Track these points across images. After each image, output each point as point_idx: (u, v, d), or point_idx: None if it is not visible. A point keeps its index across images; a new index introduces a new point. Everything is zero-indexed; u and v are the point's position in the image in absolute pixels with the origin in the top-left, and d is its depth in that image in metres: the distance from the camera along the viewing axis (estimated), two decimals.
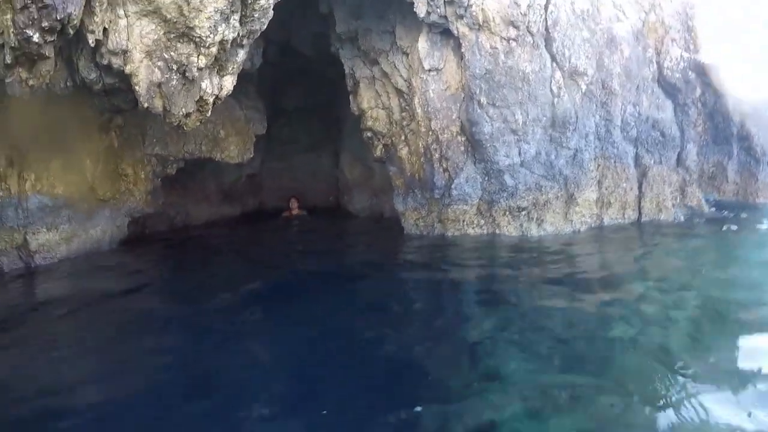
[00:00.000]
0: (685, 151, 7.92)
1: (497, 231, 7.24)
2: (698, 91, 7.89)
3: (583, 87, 7.31)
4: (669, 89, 7.86)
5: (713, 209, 8.01)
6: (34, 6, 4.51)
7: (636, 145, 7.70)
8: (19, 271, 7.27)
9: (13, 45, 4.65)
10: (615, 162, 7.53)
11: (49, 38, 4.68)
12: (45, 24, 4.56)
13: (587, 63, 7.26)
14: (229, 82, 5.90)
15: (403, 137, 7.85)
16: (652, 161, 7.72)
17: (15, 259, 7.31)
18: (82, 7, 4.76)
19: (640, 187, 7.66)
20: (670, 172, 7.79)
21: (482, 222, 7.26)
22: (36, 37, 4.61)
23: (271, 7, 5.85)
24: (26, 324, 5.29)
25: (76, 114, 7.41)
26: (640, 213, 7.67)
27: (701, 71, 7.81)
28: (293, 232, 10.70)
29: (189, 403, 3.54)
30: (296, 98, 11.90)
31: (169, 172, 9.67)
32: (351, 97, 8.52)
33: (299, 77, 11.37)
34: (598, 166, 7.48)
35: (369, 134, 8.42)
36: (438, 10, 6.91)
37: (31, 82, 5.04)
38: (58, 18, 4.56)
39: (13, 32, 4.61)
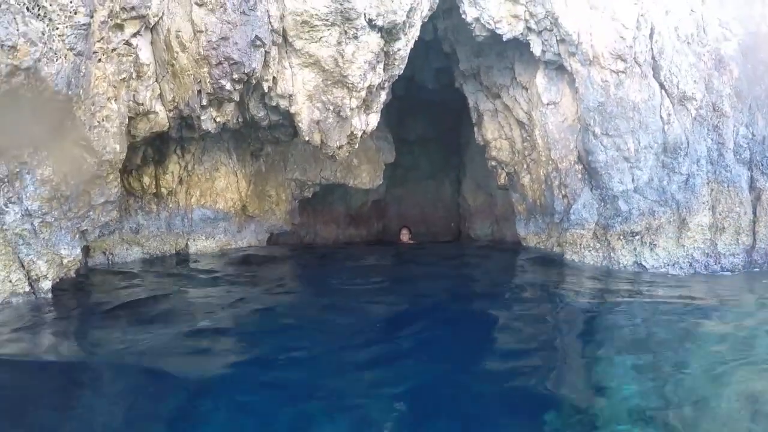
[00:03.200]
0: None
1: (612, 254, 7.60)
2: None
3: (693, 112, 7.49)
4: None
5: None
6: (226, 63, 5.73)
7: (750, 167, 7.63)
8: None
9: (209, 91, 5.89)
10: (728, 186, 7.56)
11: (237, 86, 5.88)
12: (235, 76, 5.76)
13: (695, 87, 7.43)
14: (374, 119, 6.96)
15: (525, 166, 8.49)
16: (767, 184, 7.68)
17: (174, 260, 8.65)
18: (262, 63, 5.94)
19: (754, 212, 7.67)
20: None
21: (598, 246, 7.68)
22: (228, 86, 5.83)
23: (408, 55, 6.85)
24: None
25: (238, 144, 8.79)
26: (754, 239, 7.65)
27: None
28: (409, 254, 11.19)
29: None
30: (419, 129, 12.84)
31: (305, 194, 10.88)
32: (476, 129, 9.30)
33: (422, 109, 12.31)
34: (711, 190, 7.56)
35: (493, 163, 9.13)
36: (552, 48, 7.56)
37: (218, 119, 6.29)
38: (245, 72, 5.76)
39: (209, 81, 5.85)
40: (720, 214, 7.63)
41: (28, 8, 4.37)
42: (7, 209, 4.87)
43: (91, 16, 4.86)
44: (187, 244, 8.73)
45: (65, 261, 5.39)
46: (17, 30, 4.22)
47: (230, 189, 8.93)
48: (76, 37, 4.69)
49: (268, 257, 9.01)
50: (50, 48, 4.49)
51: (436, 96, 11.65)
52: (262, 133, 7.70)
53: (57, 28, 4.58)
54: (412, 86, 11.42)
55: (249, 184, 9.38)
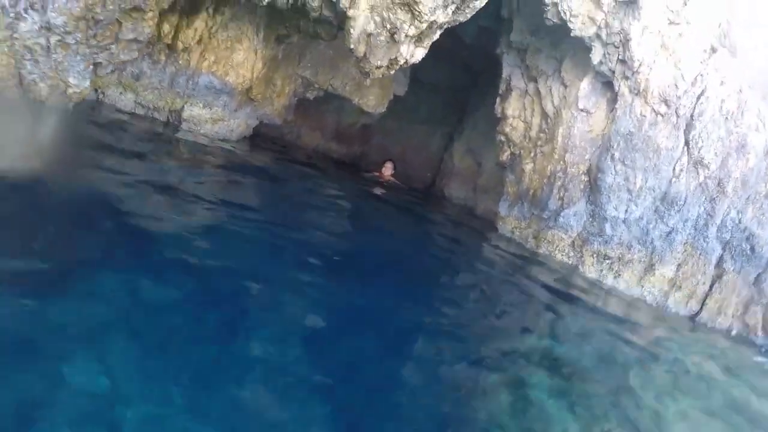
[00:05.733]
0: (766, 273, 8.25)
1: (580, 266, 7.98)
2: None
3: (701, 178, 7.73)
4: None
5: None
6: None
7: (725, 248, 8.08)
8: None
9: None
10: (700, 254, 7.97)
11: None
12: None
13: (713, 159, 7.65)
14: (420, 54, 6.68)
15: (532, 154, 8.55)
16: (732, 269, 8.09)
17: (165, 118, 8.34)
18: None
19: (711, 286, 8.12)
20: (743, 285, 8.19)
21: (571, 253, 8.03)
22: None
23: (481, 7, 6.61)
24: None
25: (270, 23, 8.37)
26: (701, 309, 8.11)
27: None
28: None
29: None
30: (435, 75, 12.53)
31: (308, 95, 10.54)
32: (498, 100, 9.20)
33: (447, 58, 11.98)
34: (685, 251, 7.95)
35: (502, 138, 9.12)
36: (609, 64, 7.53)
37: None
38: None
39: None
40: (682, 274, 8.01)
41: None
42: (25, 15, 4.33)
43: None
44: (183, 106, 8.37)
45: (70, 91, 4.97)
46: None
47: (246, 66, 8.53)
48: None
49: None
50: None
51: (465, 51, 11.38)
52: (304, 22, 7.33)
53: None
54: (448, 32, 11.05)
55: (263, 67, 9.00)
